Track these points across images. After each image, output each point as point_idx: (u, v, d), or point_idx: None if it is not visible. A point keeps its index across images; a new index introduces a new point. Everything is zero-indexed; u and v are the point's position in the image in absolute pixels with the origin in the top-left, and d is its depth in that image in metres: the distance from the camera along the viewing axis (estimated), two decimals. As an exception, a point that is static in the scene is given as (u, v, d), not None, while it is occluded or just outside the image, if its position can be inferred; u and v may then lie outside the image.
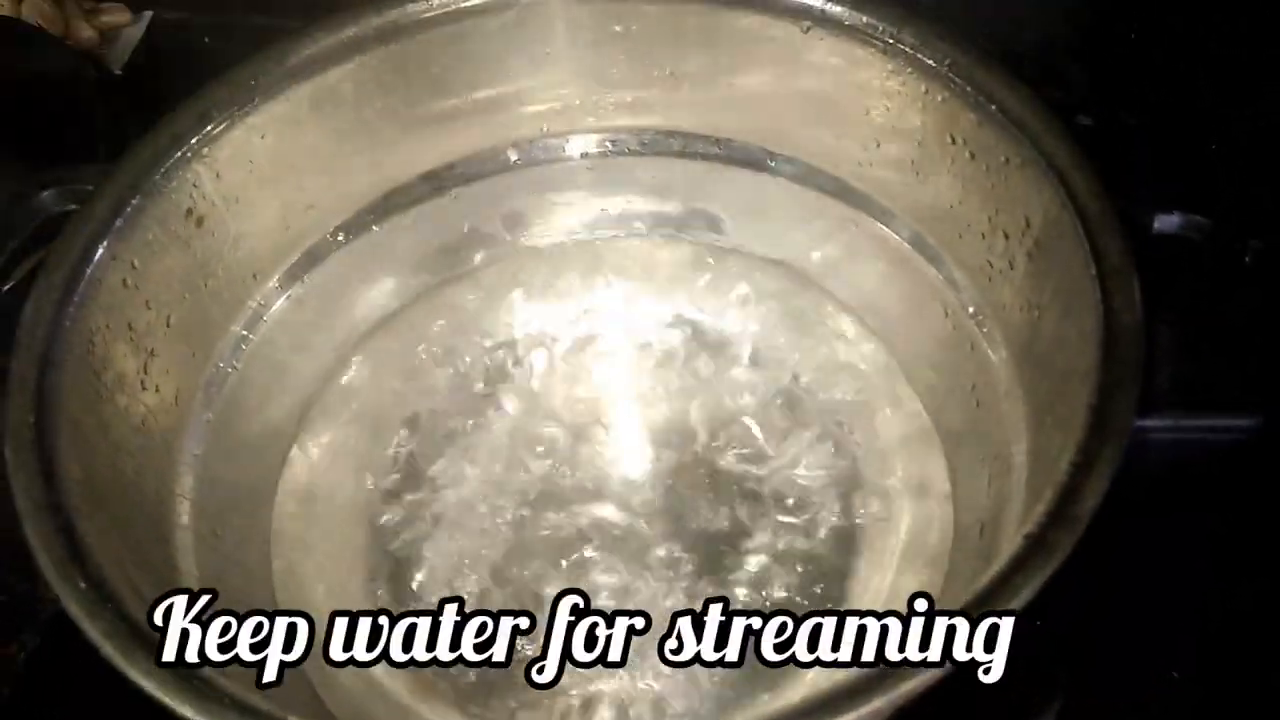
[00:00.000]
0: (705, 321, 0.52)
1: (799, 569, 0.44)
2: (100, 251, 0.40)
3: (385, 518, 0.48)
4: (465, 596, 0.43)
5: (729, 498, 0.46)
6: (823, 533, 0.45)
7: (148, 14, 0.83)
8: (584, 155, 0.52)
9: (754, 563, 0.44)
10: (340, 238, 0.50)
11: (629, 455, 0.49)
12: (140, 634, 0.32)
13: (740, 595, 0.42)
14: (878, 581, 0.43)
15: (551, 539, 0.46)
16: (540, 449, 0.49)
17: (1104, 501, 0.31)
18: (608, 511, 0.46)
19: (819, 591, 0.43)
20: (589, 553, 0.45)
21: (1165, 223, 0.39)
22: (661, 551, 0.44)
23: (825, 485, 0.46)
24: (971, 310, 0.44)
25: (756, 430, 0.49)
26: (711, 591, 0.42)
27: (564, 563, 0.44)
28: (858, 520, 0.45)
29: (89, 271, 0.39)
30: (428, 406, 0.51)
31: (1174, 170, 0.45)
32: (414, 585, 0.45)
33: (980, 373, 0.43)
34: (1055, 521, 0.31)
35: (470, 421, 0.50)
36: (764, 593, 0.42)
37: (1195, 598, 0.45)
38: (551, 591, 0.43)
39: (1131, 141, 0.54)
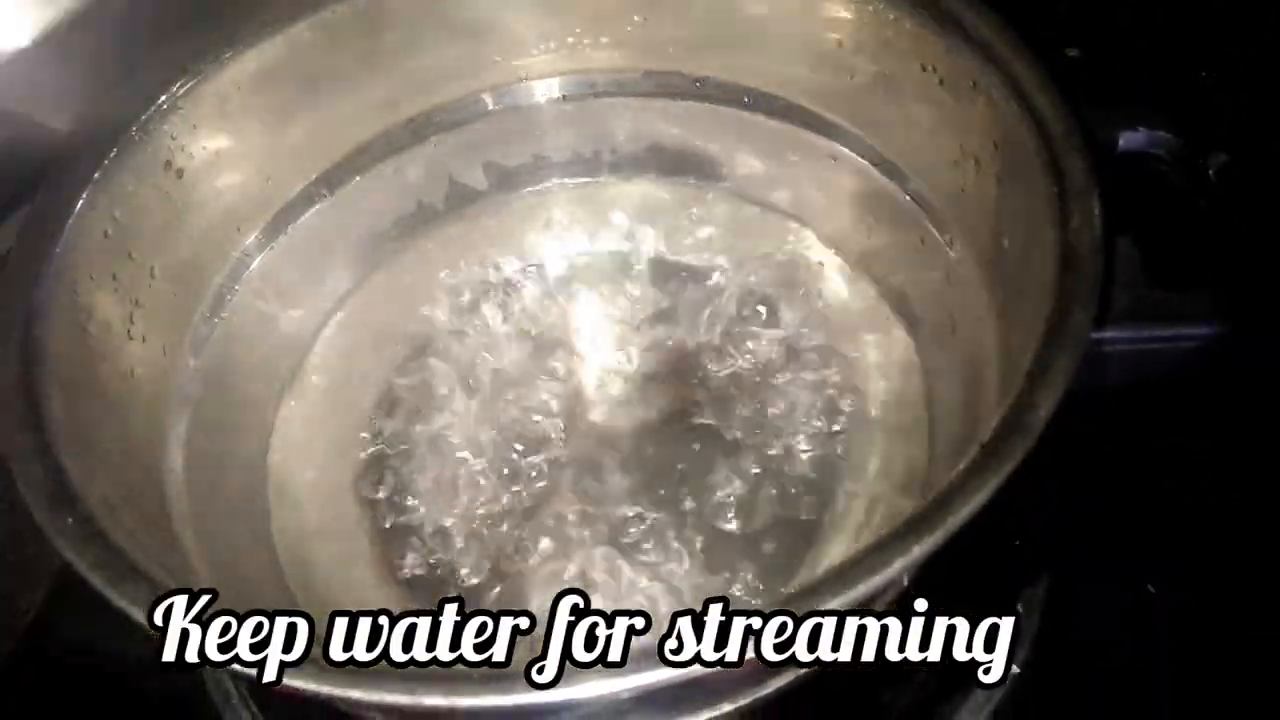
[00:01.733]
0: (682, 259, 0.53)
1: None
2: (80, 203, 0.40)
3: (373, 449, 0.49)
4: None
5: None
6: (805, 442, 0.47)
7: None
8: (564, 98, 0.53)
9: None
10: (323, 190, 0.51)
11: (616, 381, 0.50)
12: (131, 568, 0.33)
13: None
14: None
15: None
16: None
17: (1060, 409, 0.31)
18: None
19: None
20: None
21: (1130, 140, 0.39)
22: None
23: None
24: (947, 237, 0.45)
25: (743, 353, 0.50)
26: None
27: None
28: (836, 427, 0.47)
29: (70, 222, 0.40)
30: (415, 349, 0.52)
31: (1139, 88, 0.45)
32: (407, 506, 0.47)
33: (957, 295, 0.44)
34: (1010, 429, 0.31)
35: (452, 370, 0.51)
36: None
37: (1165, 507, 0.45)
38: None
39: (1106, 65, 0.54)
